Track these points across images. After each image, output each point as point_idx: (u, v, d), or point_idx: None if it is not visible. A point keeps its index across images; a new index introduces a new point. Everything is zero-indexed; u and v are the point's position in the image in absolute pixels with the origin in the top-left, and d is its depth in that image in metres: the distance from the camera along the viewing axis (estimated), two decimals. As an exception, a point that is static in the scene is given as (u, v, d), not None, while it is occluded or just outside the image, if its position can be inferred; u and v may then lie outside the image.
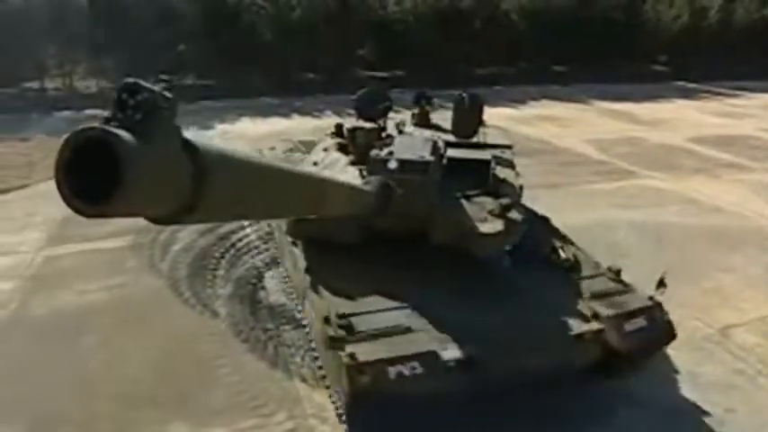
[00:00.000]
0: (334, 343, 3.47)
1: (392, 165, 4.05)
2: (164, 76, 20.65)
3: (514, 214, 4.41)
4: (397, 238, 4.17)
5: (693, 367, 5.02)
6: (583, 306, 4.12)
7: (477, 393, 3.49)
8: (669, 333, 4.18)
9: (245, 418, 4.22)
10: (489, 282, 4.29)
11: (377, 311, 3.86)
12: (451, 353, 3.51)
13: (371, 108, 5.96)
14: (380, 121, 5.79)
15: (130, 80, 1.32)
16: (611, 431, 4.22)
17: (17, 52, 18.75)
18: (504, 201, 4.44)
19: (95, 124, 1.24)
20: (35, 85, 19.56)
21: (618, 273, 4.63)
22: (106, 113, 1.32)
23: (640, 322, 4.04)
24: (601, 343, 3.92)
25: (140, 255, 7.02)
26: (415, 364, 3.40)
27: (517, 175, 5.29)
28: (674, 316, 5.80)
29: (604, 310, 4.04)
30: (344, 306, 3.86)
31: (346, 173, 4.83)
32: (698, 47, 24.01)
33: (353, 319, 3.70)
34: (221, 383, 4.61)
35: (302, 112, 16.95)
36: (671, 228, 8.22)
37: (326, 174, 3.85)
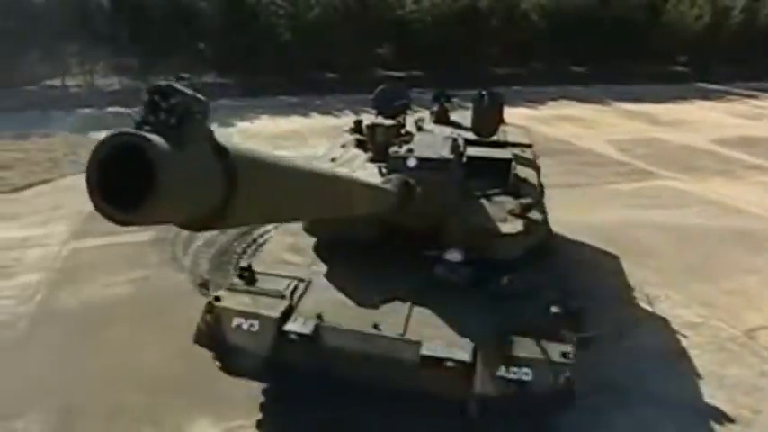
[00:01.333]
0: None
1: (412, 162, 4.00)
2: (183, 75, 20.90)
3: (535, 214, 4.34)
4: (414, 236, 4.08)
5: (718, 368, 4.96)
6: (479, 336, 3.53)
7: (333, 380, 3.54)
8: (562, 396, 3.29)
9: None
10: (429, 286, 3.97)
11: (283, 277, 4.02)
12: (296, 326, 3.60)
13: (389, 105, 5.94)
14: (399, 119, 5.74)
15: (164, 83, 1.29)
16: (639, 430, 4.18)
17: (39, 51, 19.06)
18: (525, 201, 4.37)
19: (128, 129, 1.21)
20: (57, 82, 19.86)
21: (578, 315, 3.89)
22: (133, 113, 1.29)
23: (523, 372, 3.31)
24: (458, 379, 3.35)
25: (163, 249, 7.09)
26: (255, 322, 3.60)
27: (539, 174, 5.23)
28: (698, 317, 5.82)
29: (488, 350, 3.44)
30: (263, 265, 4.13)
31: (365, 169, 4.81)
32: (720, 47, 23.67)
33: (259, 276, 3.99)
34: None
35: (321, 110, 17.02)
36: (693, 229, 8.12)
37: (349, 173, 3.93)
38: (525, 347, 3.42)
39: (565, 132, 14.28)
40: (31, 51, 18.83)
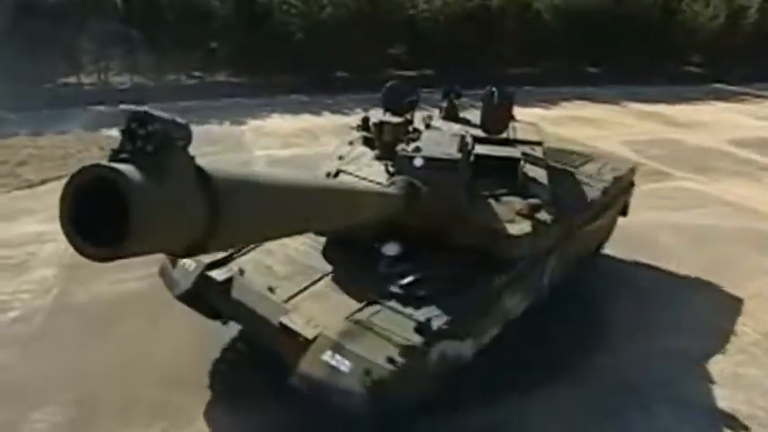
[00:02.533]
0: None
1: (418, 162, 3.91)
2: (195, 73, 21.04)
3: (544, 215, 4.26)
4: (417, 236, 3.99)
5: (736, 369, 4.89)
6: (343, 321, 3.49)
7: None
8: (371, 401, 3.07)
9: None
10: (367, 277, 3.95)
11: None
12: (215, 273, 4.08)
13: (398, 102, 5.81)
14: (408, 115, 5.63)
15: (140, 110, 1.25)
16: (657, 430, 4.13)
17: (54, 49, 19.23)
18: (534, 201, 4.29)
19: (100, 161, 1.16)
20: (71, 80, 20.02)
21: None
22: (118, 134, 1.25)
23: (343, 362, 3.19)
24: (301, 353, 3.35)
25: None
26: (193, 265, 4.17)
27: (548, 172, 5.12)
28: (716, 319, 5.75)
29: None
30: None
31: (372, 167, 4.75)
32: (735, 47, 23.40)
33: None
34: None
35: (332, 109, 17.03)
36: (710, 230, 8.02)
37: (348, 183, 3.96)
38: (361, 342, 3.28)
39: (578, 133, 14.16)
40: (48, 50, 18.99)
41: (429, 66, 21.12)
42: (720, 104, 18.98)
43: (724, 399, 4.53)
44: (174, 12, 19.62)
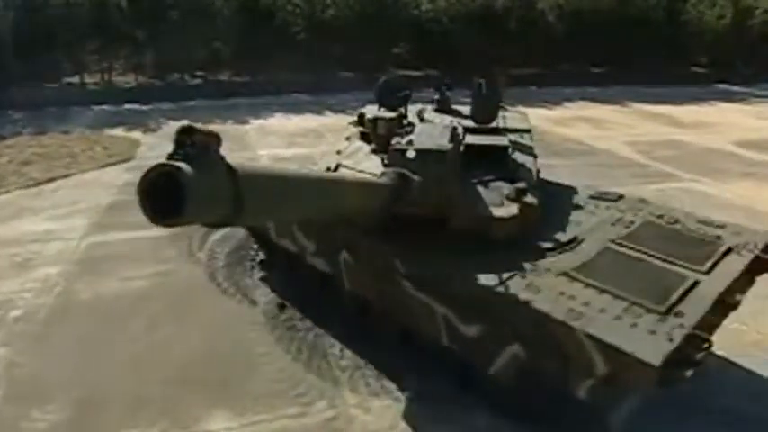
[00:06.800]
0: None
1: (410, 154, 4.10)
2: (198, 73, 21.08)
3: (530, 198, 4.45)
4: (418, 222, 4.22)
5: (741, 372, 4.84)
6: None
7: None
8: None
9: (287, 406, 4.22)
10: None
11: None
12: None
13: (391, 97, 5.98)
14: (401, 110, 5.80)
15: (186, 124, 1.72)
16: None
17: (59, 49, 19.29)
18: (520, 185, 4.49)
19: (164, 161, 1.64)
20: (75, 80, 20.08)
21: None
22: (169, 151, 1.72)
23: None
24: None
25: (179, 244, 7.10)
26: None
27: (535, 158, 5.30)
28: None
29: None
30: None
31: (369, 161, 5.00)
32: (742, 48, 23.30)
33: None
34: (262, 371, 4.63)
35: (335, 109, 17.02)
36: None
37: (342, 175, 4.30)
38: None
39: (583, 134, 14.12)
40: (52, 50, 19.05)
41: (433, 66, 21.10)
42: (726, 105, 18.89)
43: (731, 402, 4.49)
44: (178, 11, 19.63)
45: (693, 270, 3.78)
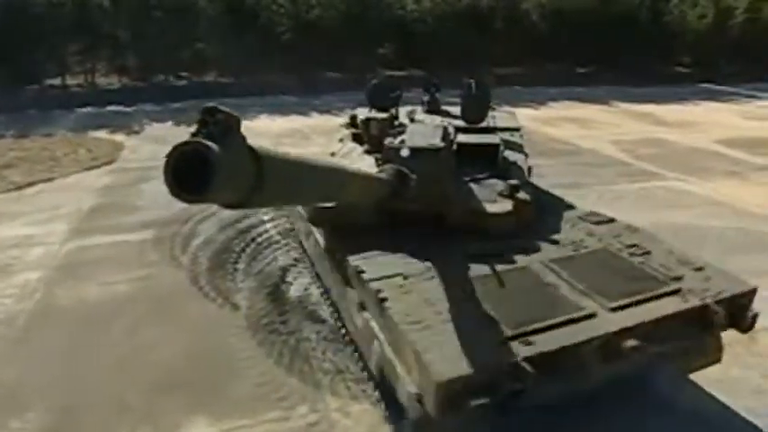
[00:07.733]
0: None
1: (404, 153, 4.18)
2: (182, 74, 20.93)
3: (523, 194, 4.56)
4: (416, 220, 4.36)
5: (724, 369, 4.88)
6: None
7: None
8: None
9: (268, 410, 4.19)
10: None
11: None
12: None
13: (383, 98, 6.05)
14: (393, 110, 5.87)
15: (211, 104, 1.73)
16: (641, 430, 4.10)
17: (40, 50, 19.05)
18: (513, 182, 4.61)
19: (191, 139, 1.65)
20: (58, 81, 19.84)
21: None
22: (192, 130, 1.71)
23: None
24: None
25: (161, 248, 7.03)
26: None
27: (526, 156, 5.41)
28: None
29: None
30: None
31: (363, 161, 5.08)
32: (724, 47, 23.57)
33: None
34: (245, 375, 4.59)
35: (321, 110, 16.98)
36: (701, 230, 8.03)
37: (349, 166, 4.07)
38: None
39: (568, 133, 14.20)
40: (33, 51, 18.80)
41: (418, 66, 21.12)
42: (710, 104, 19.09)
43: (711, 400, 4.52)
44: (161, 11, 19.48)
45: (598, 304, 3.38)
